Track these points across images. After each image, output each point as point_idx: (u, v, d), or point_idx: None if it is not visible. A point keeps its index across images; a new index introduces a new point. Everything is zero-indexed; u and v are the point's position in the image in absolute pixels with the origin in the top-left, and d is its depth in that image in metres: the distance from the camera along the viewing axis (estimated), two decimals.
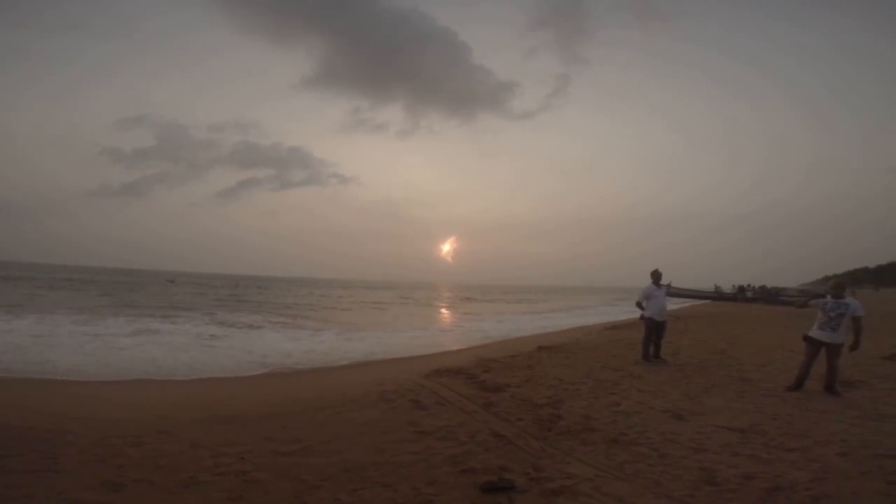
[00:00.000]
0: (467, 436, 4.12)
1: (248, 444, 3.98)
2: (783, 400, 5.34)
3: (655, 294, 7.75)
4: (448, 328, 18.75)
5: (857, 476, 3.16)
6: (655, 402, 5.19)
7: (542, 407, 4.98)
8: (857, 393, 5.68)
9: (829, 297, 5.75)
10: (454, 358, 8.94)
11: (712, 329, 13.38)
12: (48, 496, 2.90)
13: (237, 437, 4.19)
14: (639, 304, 7.92)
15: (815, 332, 5.77)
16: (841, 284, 5.78)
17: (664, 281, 7.87)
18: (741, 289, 38.99)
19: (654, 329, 7.70)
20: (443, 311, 30.49)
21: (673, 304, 23.00)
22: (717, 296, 36.77)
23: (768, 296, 34.14)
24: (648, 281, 7.86)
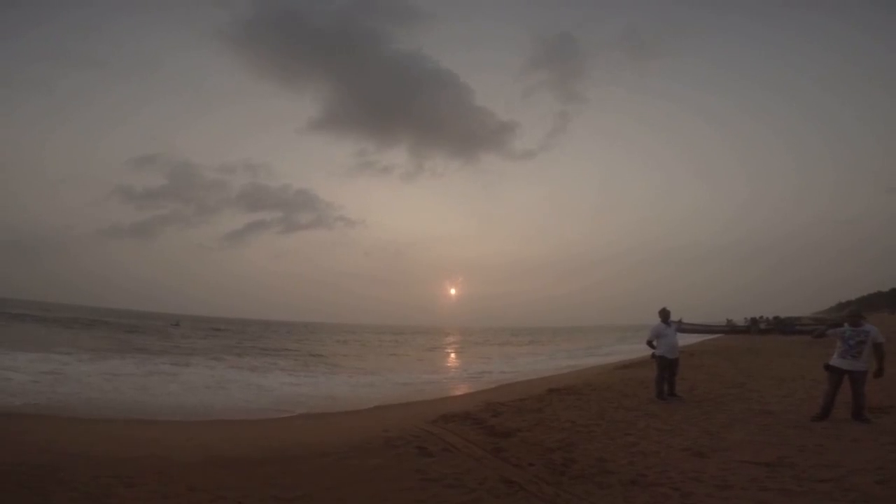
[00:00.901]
0: (476, 483, 3.90)
1: (247, 488, 3.84)
2: (810, 430, 5.09)
3: (665, 332, 7.74)
4: (454, 372, 18.29)
5: None
6: (674, 441, 4.93)
7: (555, 451, 4.74)
8: (888, 419, 5.45)
9: (846, 325, 5.66)
10: (461, 402, 8.69)
11: (728, 363, 12.99)
12: None
13: (237, 480, 4.06)
14: (649, 343, 7.88)
15: (836, 361, 5.63)
16: (857, 313, 5.71)
17: (674, 318, 7.88)
18: (754, 321, 38.11)
19: (666, 367, 7.61)
20: (449, 354, 29.93)
21: (687, 340, 22.49)
22: (730, 329, 35.98)
23: (783, 326, 33.31)
24: (658, 320, 7.84)
